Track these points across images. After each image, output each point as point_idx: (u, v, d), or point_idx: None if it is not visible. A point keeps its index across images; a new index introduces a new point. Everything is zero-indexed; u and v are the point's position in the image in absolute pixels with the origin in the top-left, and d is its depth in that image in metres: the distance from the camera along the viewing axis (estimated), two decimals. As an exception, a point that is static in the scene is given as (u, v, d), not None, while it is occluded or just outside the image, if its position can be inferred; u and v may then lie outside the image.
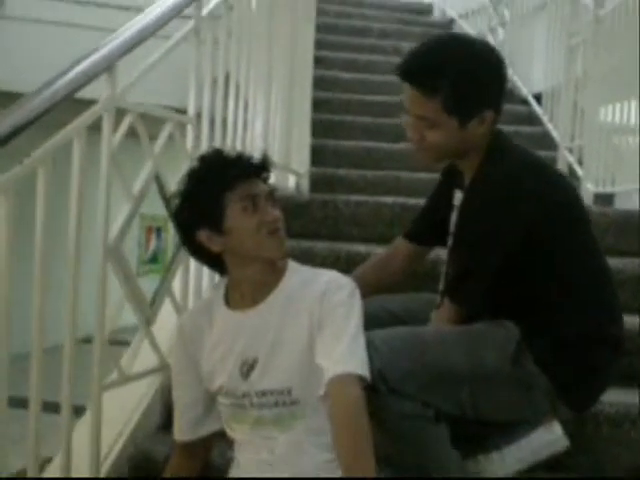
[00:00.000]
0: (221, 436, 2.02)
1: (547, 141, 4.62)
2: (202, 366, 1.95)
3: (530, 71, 5.31)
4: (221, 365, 1.91)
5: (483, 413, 1.96)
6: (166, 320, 2.41)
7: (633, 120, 4.00)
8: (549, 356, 1.95)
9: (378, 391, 1.83)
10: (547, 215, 1.93)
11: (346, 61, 5.76)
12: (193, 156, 2.41)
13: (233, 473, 1.97)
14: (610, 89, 4.13)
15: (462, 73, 1.91)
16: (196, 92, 2.56)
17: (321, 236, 3.42)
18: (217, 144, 2.70)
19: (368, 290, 2.07)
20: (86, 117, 1.97)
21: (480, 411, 1.96)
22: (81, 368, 2.04)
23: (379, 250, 2.72)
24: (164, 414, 2.43)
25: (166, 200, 2.30)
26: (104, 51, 2.00)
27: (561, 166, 4.19)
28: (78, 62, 1.93)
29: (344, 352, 1.78)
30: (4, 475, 1.78)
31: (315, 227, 3.50)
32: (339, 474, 1.73)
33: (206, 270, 2.54)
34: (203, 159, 1.98)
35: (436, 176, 3.80)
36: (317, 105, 4.41)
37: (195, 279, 2.58)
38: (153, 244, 11.22)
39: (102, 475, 2.13)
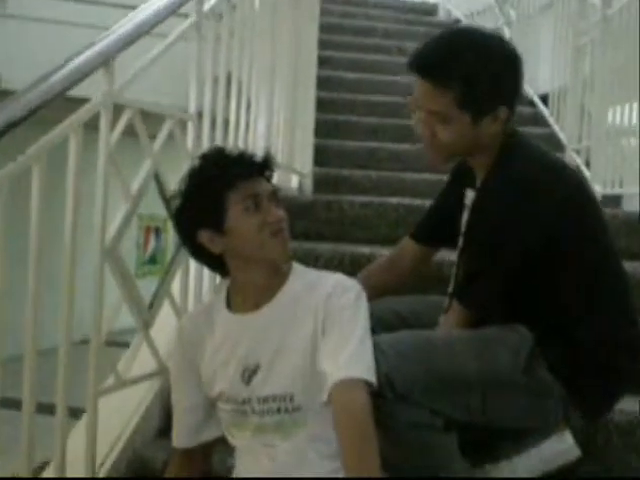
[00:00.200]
0: (221, 442, 1.96)
1: (554, 142, 4.59)
2: (202, 371, 1.90)
3: (536, 72, 5.25)
4: (222, 370, 1.85)
5: (493, 421, 1.90)
6: (165, 323, 2.37)
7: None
8: (564, 362, 1.89)
9: (385, 397, 1.77)
10: (562, 216, 1.87)
11: (350, 61, 5.74)
12: (194, 155, 2.37)
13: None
14: (618, 90, 4.07)
15: (477, 68, 1.85)
16: (197, 89, 2.52)
17: (325, 237, 3.39)
18: (219, 143, 2.65)
19: (374, 292, 2.00)
20: (82, 113, 1.92)
21: (490, 419, 1.89)
22: (80, 369, 1.99)
23: (384, 252, 2.68)
24: (163, 419, 2.38)
25: (166, 200, 2.26)
26: (101, 45, 1.95)
27: (568, 168, 4.13)
28: (74, 57, 1.87)
29: (349, 356, 1.73)
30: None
31: (319, 228, 3.46)
32: None
33: (207, 272, 2.51)
34: (204, 157, 1.92)
35: (441, 177, 3.79)
36: (321, 105, 4.40)
37: (195, 281, 2.54)
38: (152, 245, 11.07)
39: (100, 482, 2.08)
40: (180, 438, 1.96)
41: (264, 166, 1.88)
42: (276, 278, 1.86)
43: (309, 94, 4.06)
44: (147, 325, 2.30)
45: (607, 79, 4.18)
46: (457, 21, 7.22)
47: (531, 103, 5.26)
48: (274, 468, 1.79)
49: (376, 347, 1.78)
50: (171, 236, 2.57)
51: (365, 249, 2.99)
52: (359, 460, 1.65)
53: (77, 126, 1.90)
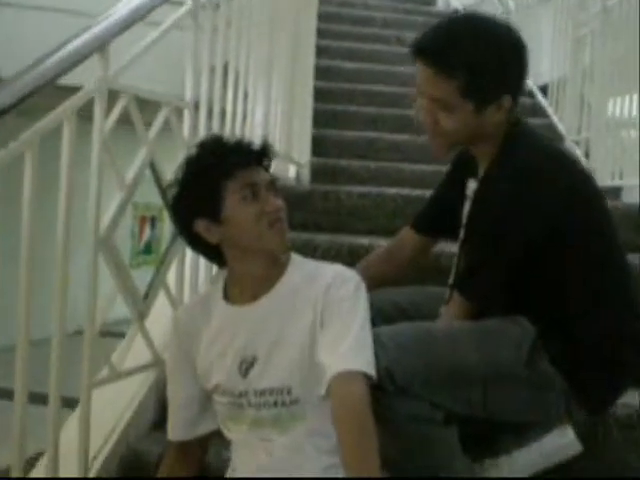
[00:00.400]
0: (218, 436, 1.93)
1: (553, 134, 4.55)
2: (198, 363, 1.86)
3: (535, 62, 5.19)
4: (218, 362, 1.82)
5: (495, 414, 1.87)
6: (160, 314, 2.34)
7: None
8: (566, 356, 1.85)
9: (385, 390, 1.73)
10: (566, 207, 1.83)
11: (349, 50, 5.70)
12: (190, 144, 2.34)
13: (229, 475, 1.88)
14: (618, 81, 4.04)
15: (482, 56, 1.80)
16: (194, 77, 2.48)
17: (322, 228, 3.36)
18: (216, 132, 2.62)
19: (373, 283, 1.96)
20: (76, 99, 1.89)
21: (492, 412, 1.86)
22: (74, 360, 1.98)
23: (382, 242, 2.65)
24: (158, 412, 2.35)
25: (161, 188, 2.22)
26: (96, 30, 1.91)
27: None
28: (68, 42, 1.83)
29: (348, 349, 1.69)
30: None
31: (316, 218, 3.43)
32: None
33: (203, 262, 2.49)
34: (201, 145, 1.88)
35: (439, 168, 3.78)
36: (319, 95, 4.38)
37: (191, 271, 2.51)
38: (147, 234, 10.94)
39: (91, 475, 2.06)
40: (176, 431, 1.92)
41: (262, 155, 1.85)
42: (274, 269, 1.83)
43: (307, 84, 4.04)
44: (142, 316, 2.26)
45: (607, 70, 4.15)
46: (456, 11, 7.16)
47: (530, 94, 5.20)
48: (271, 463, 1.76)
49: (376, 339, 1.75)
50: (167, 225, 2.54)
51: (363, 240, 2.95)
52: (358, 455, 1.62)
53: (71, 113, 1.86)
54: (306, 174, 3.79)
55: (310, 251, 2.68)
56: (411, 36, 1.99)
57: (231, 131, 2.85)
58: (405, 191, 3.50)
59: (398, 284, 2.29)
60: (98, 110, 1.98)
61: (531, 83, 5.20)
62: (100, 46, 1.93)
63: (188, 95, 2.47)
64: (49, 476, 1.91)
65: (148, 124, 2.27)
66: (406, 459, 1.82)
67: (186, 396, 1.90)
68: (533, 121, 4.68)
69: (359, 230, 3.35)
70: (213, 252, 1.86)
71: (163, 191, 2.24)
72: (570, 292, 1.87)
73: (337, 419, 1.66)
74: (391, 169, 4.03)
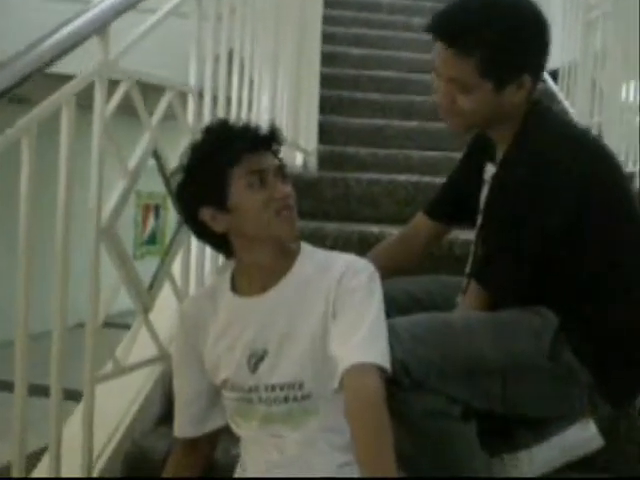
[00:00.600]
0: (226, 431, 1.87)
1: (564, 119, 4.46)
2: (206, 357, 1.80)
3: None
4: (227, 357, 1.75)
5: (515, 408, 1.80)
6: (166, 306, 2.30)
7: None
8: (590, 347, 1.78)
9: (400, 384, 1.67)
10: (587, 193, 1.75)
11: (355, 37, 5.63)
12: (195, 130, 2.28)
13: (239, 474, 1.81)
14: (631, 65, 3.96)
15: (501, 32, 1.72)
16: (197, 63, 2.42)
17: (331, 216, 3.29)
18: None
19: (385, 272, 1.86)
20: (76, 83, 1.82)
21: (511, 406, 1.79)
22: (81, 351, 1.94)
23: (393, 231, 2.61)
24: (164, 406, 2.31)
25: (165, 176, 2.16)
26: (96, 10, 1.84)
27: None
28: (67, 22, 1.76)
29: (362, 340, 1.62)
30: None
31: (325, 207, 3.37)
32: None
33: (209, 252, 2.44)
34: (207, 130, 1.81)
35: (449, 154, 3.75)
36: (326, 81, 4.33)
37: (197, 262, 2.45)
38: (151, 224, 10.83)
39: (96, 474, 2.02)
40: (182, 428, 1.86)
41: (270, 139, 1.77)
42: (284, 259, 1.76)
43: (313, 70, 4.00)
44: (146, 309, 2.21)
45: (619, 54, 4.07)
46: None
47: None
48: (282, 460, 1.70)
49: (391, 331, 1.68)
50: (171, 214, 2.49)
51: (374, 228, 2.89)
52: (373, 451, 1.54)
53: (70, 97, 1.79)
54: (313, 161, 3.75)
55: (319, 240, 2.61)
56: (419, 21, 1.93)
57: (237, 118, 2.80)
58: (416, 178, 3.44)
59: (411, 273, 2.23)
60: (99, 95, 1.91)
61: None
62: (100, 28, 1.86)
63: (192, 80, 2.41)
64: (52, 475, 1.86)
65: (150, 112, 2.21)
66: (422, 455, 1.76)
67: (193, 392, 1.84)
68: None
69: (369, 218, 3.28)
70: (220, 241, 1.79)
71: (167, 179, 2.18)
72: (591, 280, 1.80)
73: (350, 414, 1.59)
74: (400, 156, 3.98)
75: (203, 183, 1.72)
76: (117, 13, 1.89)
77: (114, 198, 2.04)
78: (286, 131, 3.38)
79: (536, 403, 1.80)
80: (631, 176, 3.81)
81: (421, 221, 2.22)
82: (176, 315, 1.93)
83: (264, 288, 1.75)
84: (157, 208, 10.64)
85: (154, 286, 2.27)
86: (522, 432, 1.87)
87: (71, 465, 1.91)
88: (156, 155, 2.23)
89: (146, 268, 2.35)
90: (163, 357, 2.27)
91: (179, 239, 2.36)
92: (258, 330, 1.72)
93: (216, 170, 1.70)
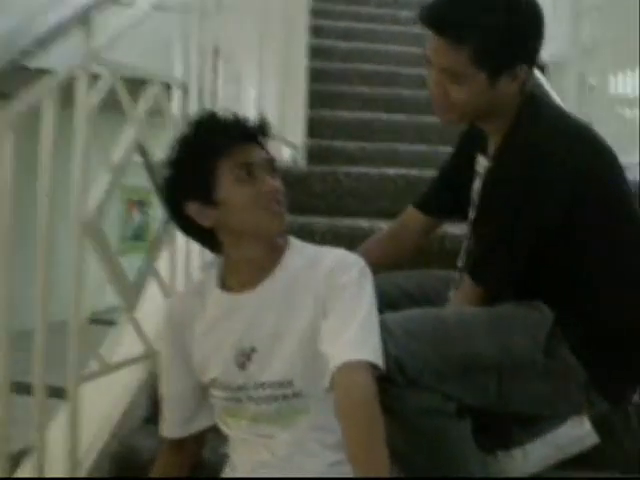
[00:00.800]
0: (214, 430, 1.83)
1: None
2: (193, 355, 1.76)
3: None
4: (215, 355, 1.71)
5: (510, 405, 1.77)
6: (152, 303, 2.26)
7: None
8: (587, 343, 1.74)
9: (394, 382, 1.63)
10: (585, 188, 1.72)
11: (344, 30, 5.59)
12: (180, 123, 2.26)
13: (227, 474, 1.78)
14: (620, 58, 3.93)
15: (495, 21, 1.68)
16: (183, 55, 2.38)
17: (320, 211, 3.24)
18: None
19: (376, 267, 1.83)
20: (58, 75, 1.77)
21: (507, 403, 1.76)
22: (66, 348, 1.90)
23: (383, 225, 2.58)
24: (152, 405, 2.25)
25: (150, 170, 2.12)
26: (78, 1, 1.78)
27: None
28: (46, 13, 1.71)
29: (354, 337, 1.58)
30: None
31: (313, 201, 3.32)
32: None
33: (196, 247, 2.39)
34: (194, 123, 1.77)
35: (437, 148, 3.72)
36: (313, 75, 4.24)
37: (183, 258, 2.42)
38: (136, 219, 10.77)
39: (82, 474, 1.98)
40: (170, 428, 1.82)
41: (259, 131, 1.74)
42: (272, 254, 1.72)
43: (300, 64, 3.95)
44: (132, 306, 2.17)
45: (609, 46, 4.04)
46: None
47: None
48: (272, 460, 1.66)
49: (383, 327, 1.64)
50: (157, 210, 2.45)
51: (363, 222, 2.86)
52: (365, 450, 1.50)
53: (52, 89, 1.75)
54: (301, 156, 3.71)
55: (307, 235, 2.58)
56: (407, 15, 1.89)
57: (223, 112, 2.74)
58: (406, 172, 3.40)
59: (401, 268, 2.20)
60: (82, 87, 1.87)
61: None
62: (83, 18, 1.82)
63: (178, 72, 2.39)
64: (35, 476, 1.82)
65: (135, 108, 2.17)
66: (416, 452, 1.73)
67: (181, 391, 1.80)
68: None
69: (358, 212, 3.25)
70: (206, 236, 1.75)
71: (152, 172, 2.13)
72: (587, 275, 1.76)
73: (341, 413, 1.55)
74: (388, 150, 3.94)
75: (190, 176, 1.68)
76: (100, 2, 1.84)
77: (98, 193, 2.00)
78: (273, 125, 3.34)
79: (532, 400, 1.77)
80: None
81: (412, 215, 2.18)
82: (162, 312, 1.88)
83: (252, 284, 1.71)
84: (142, 203, 10.54)
85: (139, 283, 2.24)
86: (516, 429, 1.86)
87: (56, 465, 1.87)
88: (141, 148, 2.19)
89: (131, 264, 2.30)
90: (150, 355, 2.24)
91: (165, 235, 2.33)
92: (246, 327, 1.69)
93: (203, 163, 1.66)
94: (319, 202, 3.32)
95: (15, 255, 1.69)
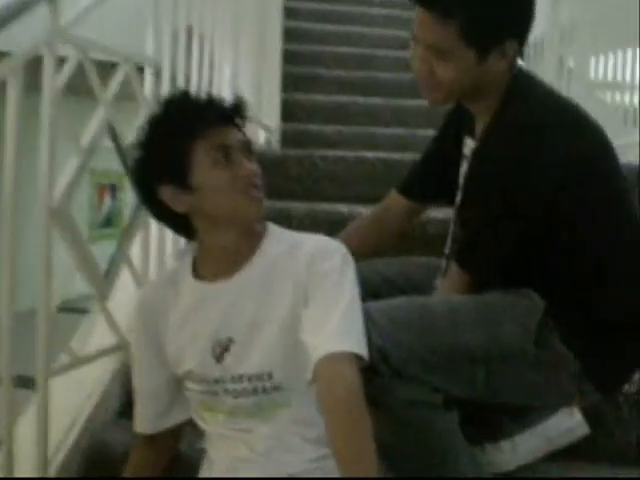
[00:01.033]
0: (190, 424, 1.76)
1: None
2: (167, 348, 1.68)
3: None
4: (190, 346, 1.64)
5: (499, 397, 1.71)
6: (124, 293, 2.20)
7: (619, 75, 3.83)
8: (578, 332, 1.69)
9: (378, 372, 1.57)
10: (577, 170, 1.66)
11: (318, 12, 5.58)
12: (152, 105, 2.17)
13: (205, 470, 1.70)
14: (600, 39, 3.88)
15: None
16: (155, 34, 2.30)
17: (296, 195, 3.19)
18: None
19: (358, 254, 1.76)
20: (23, 53, 1.69)
21: (496, 395, 1.70)
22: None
23: (362, 210, 2.52)
24: (125, 398, 2.20)
25: (121, 152, 2.04)
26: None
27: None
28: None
29: (336, 327, 1.52)
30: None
31: (290, 185, 3.26)
32: (334, 472, 1.45)
33: (170, 234, 2.33)
34: (167, 103, 1.69)
35: (414, 131, 3.67)
36: (288, 58, 4.28)
37: (157, 245, 2.36)
38: (107, 205, 10.54)
39: (53, 470, 1.90)
40: (143, 423, 1.75)
41: (235, 112, 1.66)
42: (249, 241, 1.65)
43: (275, 46, 3.98)
44: (104, 295, 2.10)
45: (588, 27, 3.98)
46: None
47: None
48: (251, 456, 1.59)
49: (367, 316, 1.58)
50: (129, 195, 2.38)
51: (342, 207, 2.81)
52: (350, 445, 1.43)
53: (16, 68, 1.67)
54: (276, 139, 3.70)
55: (285, 220, 2.52)
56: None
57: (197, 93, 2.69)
58: (384, 155, 3.36)
59: (382, 255, 2.14)
60: (48, 64, 1.79)
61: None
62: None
63: (149, 50, 2.32)
64: (3, 473, 1.75)
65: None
66: (402, 444, 1.67)
67: (154, 385, 1.73)
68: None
69: (335, 196, 3.20)
70: (180, 223, 1.68)
71: (123, 155, 2.05)
72: (579, 263, 1.70)
73: (325, 407, 1.49)
74: (364, 133, 3.92)
75: (162, 159, 1.61)
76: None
77: (66, 177, 1.92)
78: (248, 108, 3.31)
79: (522, 391, 1.71)
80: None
81: (395, 199, 2.11)
82: (134, 303, 1.81)
83: (228, 272, 1.64)
84: (113, 188, 10.34)
85: (111, 271, 2.17)
86: (505, 420, 1.81)
87: (25, 461, 1.81)
88: (111, 130, 2.12)
89: (102, 252, 2.25)
90: (122, 346, 2.17)
91: (137, 221, 2.26)
92: (223, 317, 1.62)
93: (177, 145, 1.59)
94: (295, 186, 3.27)
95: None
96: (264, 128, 3.64)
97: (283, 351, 1.57)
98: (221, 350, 1.60)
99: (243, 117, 1.68)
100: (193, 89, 2.68)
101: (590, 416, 1.81)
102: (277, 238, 1.68)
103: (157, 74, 2.33)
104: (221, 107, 1.65)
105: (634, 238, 1.75)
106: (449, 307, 1.71)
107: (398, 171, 2.22)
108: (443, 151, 1.99)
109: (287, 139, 3.74)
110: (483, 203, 1.70)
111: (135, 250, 2.29)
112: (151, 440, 1.76)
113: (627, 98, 3.80)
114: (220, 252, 1.65)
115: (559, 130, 1.64)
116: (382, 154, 3.37)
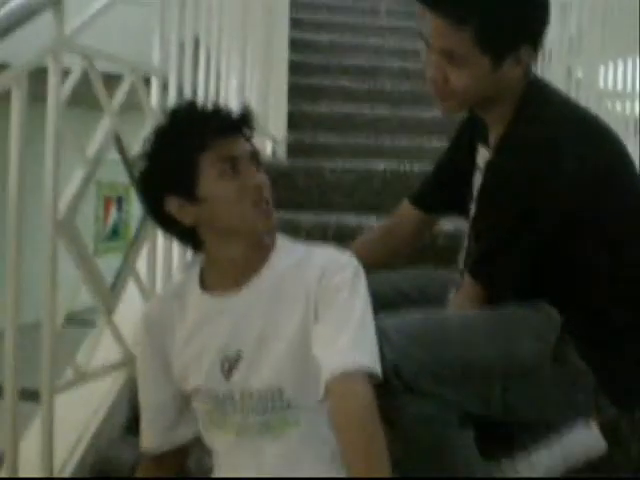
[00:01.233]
0: (199, 442, 1.72)
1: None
2: (173, 363, 1.65)
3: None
4: (197, 362, 1.60)
5: (516, 414, 1.68)
6: (131, 306, 2.17)
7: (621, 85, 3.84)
8: (596, 348, 1.66)
9: (391, 389, 1.54)
10: (593, 186, 1.62)
11: (324, 23, 5.59)
12: (158, 115, 2.16)
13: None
14: (609, 48, 3.86)
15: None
16: (162, 45, 2.29)
17: (304, 206, 3.18)
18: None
19: (370, 267, 1.73)
20: (27, 62, 1.67)
21: (513, 412, 1.67)
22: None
23: (371, 221, 2.47)
24: (131, 413, 2.17)
25: (128, 163, 2.01)
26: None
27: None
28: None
29: (349, 343, 1.49)
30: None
31: (297, 196, 3.25)
32: None
33: (177, 247, 2.33)
34: (174, 113, 1.67)
35: (421, 142, 3.66)
36: (293, 68, 4.27)
37: (164, 257, 2.34)
38: (113, 217, 10.54)
39: (59, 489, 1.87)
40: (149, 440, 1.71)
41: (242, 122, 1.63)
42: (258, 253, 1.62)
43: (282, 57, 3.99)
44: (110, 309, 2.08)
45: (597, 36, 3.96)
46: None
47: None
48: (260, 476, 1.55)
49: (380, 331, 1.55)
50: (135, 207, 2.36)
51: (351, 219, 2.79)
52: (365, 465, 1.41)
53: (21, 77, 1.64)
54: (282, 150, 3.70)
55: (293, 232, 2.49)
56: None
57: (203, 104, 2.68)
58: (394, 165, 3.34)
59: (393, 267, 2.10)
60: (53, 73, 1.77)
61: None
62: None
63: (156, 59, 2.30)
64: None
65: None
66: (415, 462, 1.63)
67: (160, 400, 1.69)
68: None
69: (344, 207, 3.18)
70: (188, 234, 1.65)
71: (129, 166, 2.03)
72: (596, 276, 1.67)
73: (338, 424, 1.47)
74: (371, 143, 3.93)
75: (169, 170, 1.58)
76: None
77: (72, 188, 1.91)
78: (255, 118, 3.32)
79: (539, 408, 1.68)
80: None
81: (407, 211, 2.08)
82: (140, 317, 1.78)
83: (237, 285, 1.61)
84: (119, 200, 10.32)
85: (117, 285, 2.15)
86: (521, 436, 1.76)
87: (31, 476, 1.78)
88: (118, 141, 2.10)
89: (108, 265, 2.24)
90: (129, 361, 2.15)
91: (144, 233, 2.24)
92: (231, 332, 1.58)
93: (183, 156, 1.56)
94: (303, 197, 3.26)
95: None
96: (271, 139, 3.64)
97: (292, 366, 1.54)
98: (229, 365, 1.56)
99: (250, 127, 1.65)
100: (200, 100, 2.66)
101: (606, 432, 1.78)
102: (286, 250, 1.65)
103: (164, 84, 2.31)
104: (228, 117, 1.62)
105: None
106: (463, 322, 1.68)
107: (407, 181, 2.20)
108: (455, 162, 1.97)
109: (293, 149, 3.74)
110: (497, 215, 1.67)
111: (142, 263, 2.27)
112: (158, 459, 1.72)
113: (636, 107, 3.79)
114: (228, 264, 1.62)
115: (576, 141, 1.61)
116: (388, 164, 3.35)
